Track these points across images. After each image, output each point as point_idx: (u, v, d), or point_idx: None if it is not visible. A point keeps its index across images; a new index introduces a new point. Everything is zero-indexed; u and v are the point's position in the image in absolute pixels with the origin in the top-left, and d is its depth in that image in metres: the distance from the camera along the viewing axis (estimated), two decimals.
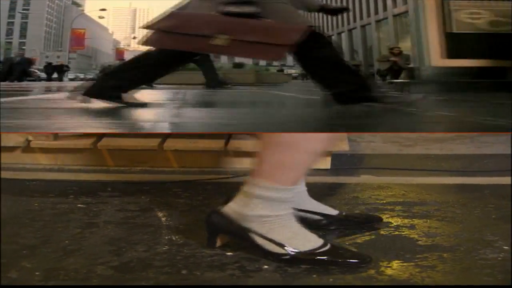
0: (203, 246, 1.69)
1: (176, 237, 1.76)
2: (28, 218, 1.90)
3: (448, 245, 1.71)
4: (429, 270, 1.53)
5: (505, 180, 2.40)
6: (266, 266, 1.55)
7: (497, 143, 3.09)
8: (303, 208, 1.94)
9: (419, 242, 1.75)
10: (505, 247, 1.63)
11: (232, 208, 1.72)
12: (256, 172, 1.69)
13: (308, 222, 1.88)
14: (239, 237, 1.70)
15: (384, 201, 2.19)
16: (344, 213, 1.99)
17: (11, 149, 2.58)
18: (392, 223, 1.94)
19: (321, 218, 1.97)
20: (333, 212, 1.97)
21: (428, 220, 1.95)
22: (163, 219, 1.94)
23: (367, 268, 1.56)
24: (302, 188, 1.97)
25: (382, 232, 1.86)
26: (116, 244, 1.67)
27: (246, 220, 1.69)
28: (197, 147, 2.63)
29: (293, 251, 1.64)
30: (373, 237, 1.84)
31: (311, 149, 1.71)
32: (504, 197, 2.15)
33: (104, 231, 1.79)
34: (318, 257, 1.65)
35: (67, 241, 1.68)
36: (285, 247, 1.65)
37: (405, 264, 1.58)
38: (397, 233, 1.85)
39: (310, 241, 1.67)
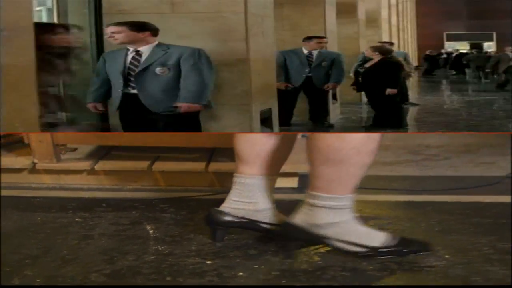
0: (186, 256, 1.67)
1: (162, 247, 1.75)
2: (31, 231, 1.89)
3: None
4: (385, 273, 1.58)
5: (444, 198, 2.42)
6: (241, 273, 1.55)
7: (437, 167, 3.08)
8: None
9: None
10: (446, 256, 1.66)
11: (301, 219, 1.73)
12: (315, 186, 1.69)
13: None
14: (318, 243, 1.73)
15: None
16: None
17: (19, 170, 2.55)
18: None
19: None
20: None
21: None
22: (151, 231, 1.92)
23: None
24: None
25: None
26: (109, 254, 1.66)
27: (320, 228, 1.70)
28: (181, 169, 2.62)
29: (367, 248, 1.68)
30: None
31: (361, 162, 1.69)
32: (444, 212, 2.17)
33: (99, 242, 1.77)
34: (389, 249, 1.70)
35: (65, 251, 1.67)
36: (361, 246, 1.68)
37: (363, 268, 1.64)
38: None
39: (379, 237, 1.71)
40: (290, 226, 1.77)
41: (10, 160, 2.58)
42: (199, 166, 2.61)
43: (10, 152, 2.69)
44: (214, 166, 2.56)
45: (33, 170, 2.54)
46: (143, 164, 2.59)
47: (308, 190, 1.72)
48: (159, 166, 2.63)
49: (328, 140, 1.68)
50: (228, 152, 2.32)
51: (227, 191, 1.80)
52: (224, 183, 2.44)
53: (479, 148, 3.37)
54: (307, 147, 1.73)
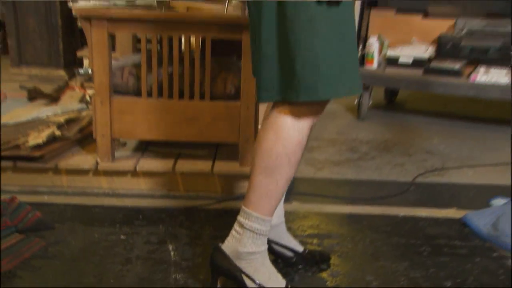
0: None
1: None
2: (91, 252, 1.84)
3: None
4: None
5: (370, 209, 2.37)
6: None
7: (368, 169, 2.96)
8: (281, 242, 1.79)
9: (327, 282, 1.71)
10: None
11: (228, 244, 1.53)
12: (247, 201, 1.48)
13: (283, 258, 1.80)
14: (234, 278, 1.53)
15: (306, 233, 2.06)
16: (306, 251, 1.81)
17: (84, 172, 2.42)
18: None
19: (293, 255, 1.80)
20: (300, 249, 1.80)
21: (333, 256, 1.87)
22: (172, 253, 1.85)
23: None
24: (282, 219, 1.77)
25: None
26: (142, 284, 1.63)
27: (239, 258, 1.50)
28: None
29: None
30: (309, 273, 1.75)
31: (290, 174, 1.46)
32: (371, 229, 2.06)
33: (136, 268, 1.74)
34: None
35: (112, 280, 1.65)
36: None
37: None
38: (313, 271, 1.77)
39: (279, 283, 1.53)
40: (217, 253, 1.55)
41: (78, 160, 2.45)
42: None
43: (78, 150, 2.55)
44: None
45: (96, 171, 2.41)
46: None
47: (242, 204, 1.51)
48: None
49: (268, 142, 1.43)
50: None
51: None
52: None
53: (393, 145, 3.23)
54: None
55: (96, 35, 2.34)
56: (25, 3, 4.37)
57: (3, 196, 2.15)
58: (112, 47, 2.49)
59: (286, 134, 1.42)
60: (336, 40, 1.35)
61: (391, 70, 3.59)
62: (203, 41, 2.35)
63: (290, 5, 1.33)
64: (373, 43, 3.64)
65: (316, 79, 1.35)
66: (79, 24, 4.09)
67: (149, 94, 2.39)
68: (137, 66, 2.44)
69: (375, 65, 3.65)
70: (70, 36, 4.51)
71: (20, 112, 3.13)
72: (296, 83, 1.36)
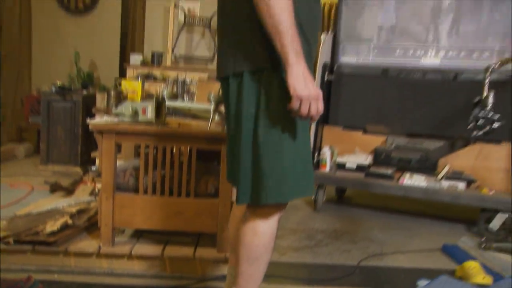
0: None
1: None
2: None
3: None
4: None
5: None
6: None
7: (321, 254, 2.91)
8: None
9: None
10: None
11: None
12: (237, 286, 1.44)
13: None
14: None
15: None
16: None
17: (88, 255, 2.32)
18: None
19: None
20: None
21: None
22: None
23: None
24: None
25: None
26: None
27: None
28: None
29: None
30: None
31: (268, 259, 1.45)
32: None
33: None
34: None
35: None
36: None
37: None
38: None
39: None
40: None
41: (84, 244, 2.36)
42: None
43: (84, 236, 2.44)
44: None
45: (98, 254, 2.31)
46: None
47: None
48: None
49: (248, 237, 1.42)
50: None
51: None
52: None
53: (342, 234, 3.17)
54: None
55: (105, 145, 2.34)
56: (57, 116, 4.45)
57: (21, 275, 2.07)
58: (119, 150, 2.49)
59: (261, 229, 1.42)
60: (297, 156, 1.39)
61: (340, 173, 3.61)
62: (191, 150, 2.36)
63: (262, 131, 1.36)
64: (326, 152, 3.68)
65: (283, 187, 1.37)
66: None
67: (145, 191, 2.37)
68: (137, 169, 2.43)
69: (327, 168, 3.67)
70: (87, 141, 4.53)
71: (43, 202, 3.07)
72: (267, 190, 1.37)
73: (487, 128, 2.10)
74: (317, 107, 1.30)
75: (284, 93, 1.31)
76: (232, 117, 1.45)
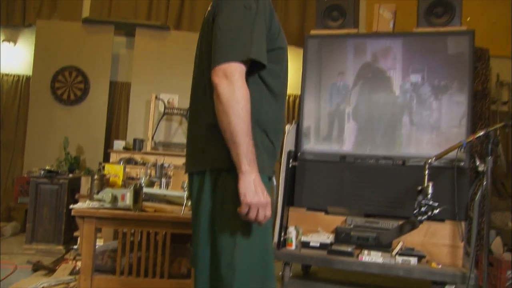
0: None
1: None
2: None
3: None
4: None
5: None
6: None
7: None
8: None
9: None
10: None
11: None
12: None
13: None
14: None
15: None
16: None
17: None
18: None
19: None
20: None
21: None
22: None
23: None
24: None
25: None
26: None
27: None
28: None
29: None
30: None
31: None
32: None
33: None
34: None
35: None
36: None
37: None
38: None
39: None
40: None
41: None
42: None
43: None
44: None
45: None
46: None
47: None
48: None
49: None
50: None
51: None
52: None
53: None
54: None
55: (86, 229, 2.33)
56: (44, 197, 4.40)
57: None
58: (99, 230, 2.46)
59: None
60: (253, 253, 1.35)
61: (304, 251, 3.61)
62: (165, 233, 2.36)
63: (218, 228, 1.37)
64: (292, 231, 3.69)
65: (237, 283, 1.33)
66: None
67: (122, 273, 2.32)
68: (115, 251, 2.40)
69: (293, 247, 3.67)
70: (71, 220, 4.44)
71: (24, 282, 2.97)
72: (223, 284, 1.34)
73: (429, 213, 2.18)
74: (265, 213, 1.29)
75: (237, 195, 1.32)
76: (193, 209, 1.47)
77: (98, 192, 2.53)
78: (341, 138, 3.87)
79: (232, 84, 1.28)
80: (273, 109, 1.46)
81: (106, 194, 2.42)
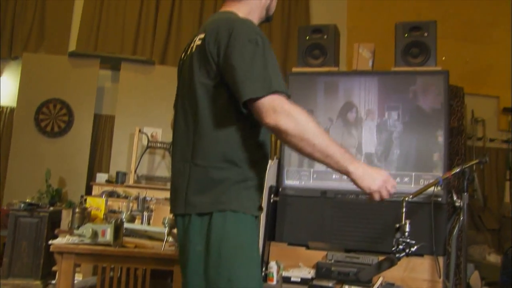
0: None
1: None
2: None
3: None
4: None
5: None
6: None
7: None
8: None
9: None
10: None
11: None
12: None
13: None
14: None
15: None
16: None
17: None
18: None
19: None
20: None
21: None
22: None
23: None
24: None
25: None
26: None
27: None
28: None
29: None
30: None
31: None
32: None
33: None
34: None
35: None
36: None
37: None
38: None
39: None
40: None
41: None
42: None
43: None
44: None
45: None
46: None
47: None
48: None
49: None
50: None
51: None
52: None
53: None
54: None
55: (64, 265, 2.28)
56: (23, 231, 4.29)
57: None
58: (78, 264, 2.41)
59: None
60: None
61: (286, 286, 3.58)
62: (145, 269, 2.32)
63: (210, 271, 1.33)
64: (273, 266, 3.66)
65: None
66: None
67: None
68: (94, 287, 2.35)
69: (274, 282, 3.63)
70: (50, 255, 4.33)
71: None
72: None
73: (407, 251, 2.19)
74: (391, 186, 1.37)
75: (228, 235, 1.31)
76: (180, 251, 1.44)
77: (78, 227, 2.49)
78: (322, 173, 3.89)
79: (288, 113, 1.25)
80: (266, 144, 1.46)
81: (87, 229, 2.39)
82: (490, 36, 6.43)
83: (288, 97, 1.31)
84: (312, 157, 1.30)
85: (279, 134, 1.28)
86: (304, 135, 1.26)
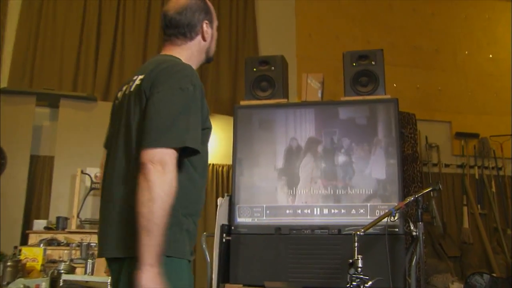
0: None
1: None
2: None
3: None
4: None
5: None
6: None
7: None
8: None
9: None
10: None
11: None
12: None
13: None
14: None
15: None
16: None
17: None
18: None
19: None
20: None
21: None
22: None
23: None
24: None
25: None
26: None
27: None
28: None
29: None
30: None
31: None
32: None
33: None
34: None
35: None
36: None
37: None
38: None
39: None
40: None
41: None
42: None
43: None
44: None
45: None
46: None
47: None
48: None
49: None
50: None
51: None
52: None
53: None
54: None
55: None
56: None
57: None
58: None
59: None
60: None
61: None
62: None
63: None
64: None
65: None
66: None
67: None
68: None
69: None
70: None
71: None
72: None
73: (362, 287, 2.24)
74: None
75: (166, 280, 1.32)
76: None
77: (8, 284, 2.39)
78: (275, 208, 3.93)
79: (166, 175, 1.30)
80: (198, 189, 1.51)
81: (17, 286, 2.30)
82: (437, 61, 6.80)
83: (197, 152, 1.39)
84: (139, 217, 1.31)
85: (143, 178, 1.31)
86: (157, 200, 1.28)
